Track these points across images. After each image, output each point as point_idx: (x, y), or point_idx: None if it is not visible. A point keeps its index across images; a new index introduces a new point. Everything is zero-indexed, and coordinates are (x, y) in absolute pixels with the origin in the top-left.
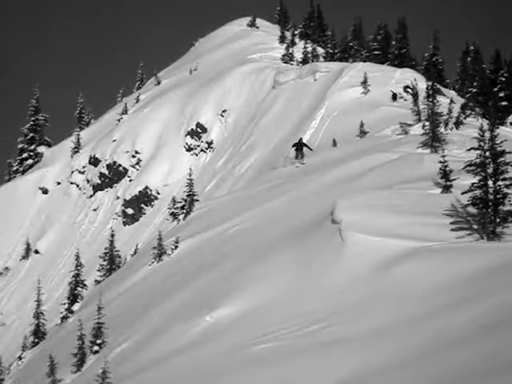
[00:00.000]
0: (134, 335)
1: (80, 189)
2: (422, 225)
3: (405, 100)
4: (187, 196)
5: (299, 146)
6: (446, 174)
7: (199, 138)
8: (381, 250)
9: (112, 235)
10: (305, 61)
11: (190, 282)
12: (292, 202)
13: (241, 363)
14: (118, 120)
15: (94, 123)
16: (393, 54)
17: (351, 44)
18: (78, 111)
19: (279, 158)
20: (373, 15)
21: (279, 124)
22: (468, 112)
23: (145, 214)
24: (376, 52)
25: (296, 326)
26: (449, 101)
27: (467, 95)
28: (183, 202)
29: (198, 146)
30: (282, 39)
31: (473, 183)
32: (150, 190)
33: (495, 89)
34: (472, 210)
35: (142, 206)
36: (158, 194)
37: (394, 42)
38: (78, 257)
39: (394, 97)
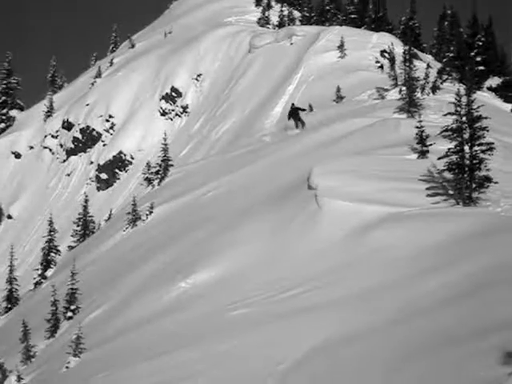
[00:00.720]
0: (108, 301)
1: (53, 153)
2: (398, 190)
3: (381, 66)
4: (162, 161)
5: (294, 112)
6: (422, 139)
7: (174, 102)
8: (357, 215)
9: (86, 200)
10: (281, 24)
11: (165, 247)
12: (268, 167)
13: (215, 329)
14: (92, 84)
15: (67, 87)
16: (370, 17)
17: (328, 7)
18: (50, 74)
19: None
20: None
21: (255, 88)
22: (445, 77)
23: (119, 179)
24: (353, 16)
25: (271, 292)
26: (425, 65)
27: (444, 60)
28: (158, 167)
29: (173, 110)
30: (258, 2)
31: (449, 148)
32: (124, 155)
33: (472, 53)
34: (448, 175)
35: (116, 171)
36: (133, 158)
37: (370, 6)
38: (51, 222)
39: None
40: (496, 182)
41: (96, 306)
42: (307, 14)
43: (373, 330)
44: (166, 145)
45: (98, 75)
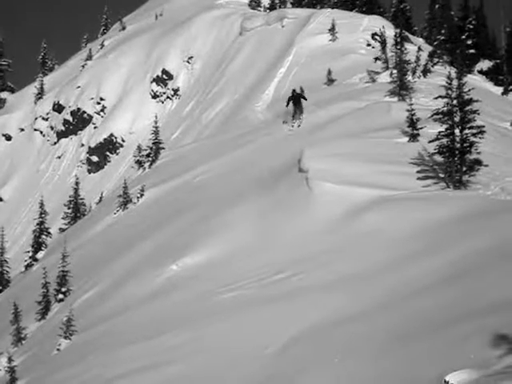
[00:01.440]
0: (99, 284)
1: (44, 136)
2: (389, 173)
3: (373, 48)
4: (153, 144)
5: (296, 99)
6: (413, 122)
7: (165, 84)
8: (347, 198)
9: (77, 183)
10: (272, 7)
11: (156, 230)
12: (259, 150)
13: (205, 312)
14: (83, 66)
15: (58, 69)
16: (361, 0)
17: None
18: (41, 56)
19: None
20: None
21: (246, 71)
22: (436, 60)
23: (110, 161)
24: None
25: (262, 275)
26: (416, 48)
27: (435, 43)
28: (149, 150)
29: (164, 92)
30: None
31: (440, 132)
32: (115, 138)
33: (463, 36)
34: (439, 158)
35: (107, 153)
36: (124, 141)
37: None
38: (42, 204)
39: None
40: (486, 165)
41: (87, 289)
42: None
43: (362, 313)
44: (157, 127)
45: (89, 57)
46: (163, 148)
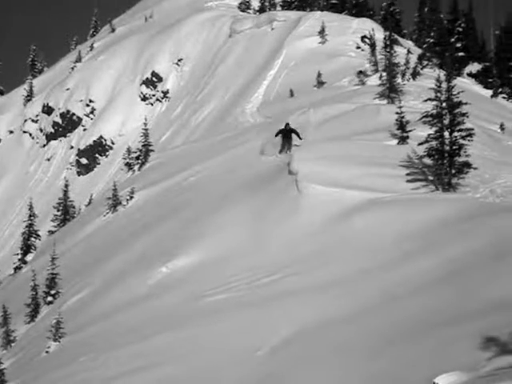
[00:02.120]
0: (88, 286)
1: (33, 138)
2: (378, 176)
3: (362, 50)
4: (142, 146)
5: (286, 133)
6: (402, 125)
7: (155, 87)
8: (337, 201)
9: (66, 185)
10: (262, 9)
11: (146, 232)
12: (249, 152)
13: (195, 314)
14: (72, 68)
15: (47, 71)
16: (350, 3)
17: None
18: (30, 58)
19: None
20: None
21: (236, 73)
22: (425, 63)
23: (99, 164)
24: (334, 1)
25: (252, 276)
26: (406, 51)
27: (424, 45)
28: (138, 152)
29: (154, 95)
30: None
31: (429, 134)
32: (105, 140)
33: (452, 39)
34: (428, 161)
35: (97, 155)
36: (113, 143)
37: None
38: (31, 207)
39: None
40: (475, 168)
41: (76, 291)
42: None
43: (352, 315)
44: (146, 130)
45: (79, 60)
46: (153, 150)
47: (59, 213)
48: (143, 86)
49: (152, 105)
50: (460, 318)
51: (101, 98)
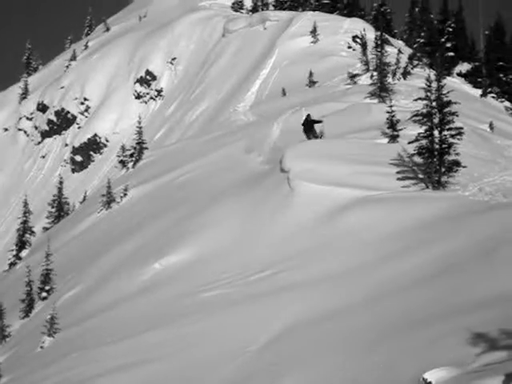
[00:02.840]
0: (82, 282)
1: (28, 135)
2: (369, 174)
3: (353, 50)
4: (136, 144)
5: (308, 124)
6: (392, 123)
7: (148, 85)
8: (329, 198)
9: (60, 182)
10: (254, 9)
11: (139, 229)
12: (242, 150)
13: (188, 310)
14: (67, 66)
15: (42, 69)
16: (342, 3)
17: None
18: (25, 57)
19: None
20: None
21: (229, 72)
22: (415, 62)
23: (93, 161)
24: (325, 1)
25: (244, 273)
26: (397, 51)
27: (415, 45)
28: (132, 150)
29: (148, 93)
30: None
31: (419, 133)
32: (99, 138)
33: (442, 39)
34: (418, 159)
35: (91, 153)
36: (107, 141)
37: None
38: (26, 204)
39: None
40: (465, 167)
41: (70, 287)
42: None
43: (342, 312)
44: (140, 128)
45: (73, 58)
46: (147, 148)
47: (54, 210)
48: (137, 84)
49: (146, 103)
50: (449, 315)
51: (95, 96)
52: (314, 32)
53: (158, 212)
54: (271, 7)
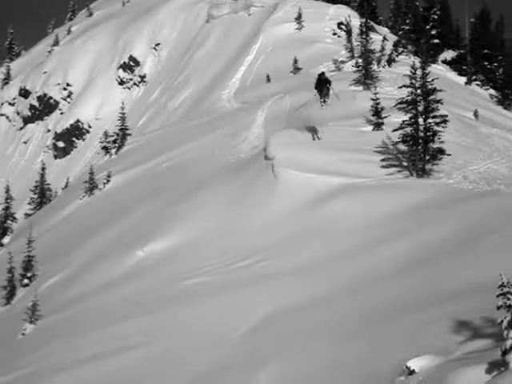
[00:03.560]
0: (64, 269)
1: (10, 121)
2: (353, 161)
3: (338, 37)
4: (119, 130)
5: (322, 83)
6: (377, 111)
7: (132, 71)
8: (313, 186)
9: (43, 168)
10: None
11: (123, 216)
12: (227, 137)
13: (172, 297)
14: (49, 52)
15: (25, 54)
16: None
17: None
18: (7, 42)
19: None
20: None
21: (213, 58)
22: (400, 49)
23: (76, 147)
24: None
25: (228, 260)
26: (382, 38)
27: (400, 32)
28: (115, 136)
29: (131, 79)
30: None
31: (404, 121)
32: (82, 124)
33: (427, 26)
34: (402, 147)
35: (74, 139)
36: (90, 127)
37: None
38: (7, 190)
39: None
40: (449, 154)
41: (53, 274)
42: None
43: (327, 298)
44: (123, 114)
45: (56, 43)
46: (130, 134)
47: (36, 196)
48: (120, 70)
49: (129, 89)
50: (431, 303)
51: (78, 82)
52: (298, 18)
53: (142, 199)
54: None
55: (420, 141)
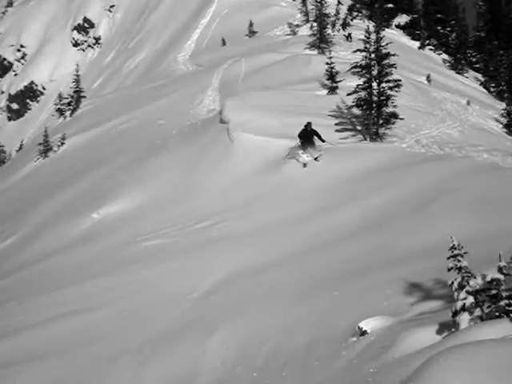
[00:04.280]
0: (19, 231)
1: None
2: None
3: (294, 0)
4: (74, 92)
5: (307, 134)
6: (332, 75)
7: (86, 33)
8: (268, 149)
9: None
10: None
11: (77, 179)
12: (182, 100)
13: (128, 259)
14: (3, 13)
15: None
16: None
17: None
18: None
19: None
20: None
21: (168, 21)
22: (355, 14)
23: (30, 109)
24: None
25: (184, 223)
26: (336, 2)
27: None
28: (70, 99)
29: (85, 41)
30: None
31: (358, 85)
32: (36, 86)
33: None
34: (356, 111)
35: (28, 101)
36: (44, 89)
37: None
38: None
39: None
40: (402, 119)
41: (7, 236)
42: None
43: (281, 261)
44: (78, 76)
45: (10, 4)
46: (84, 97)
47: None
48: (75, 31)
49: (84, 51)
50: (384, 265)
51: (32, 43)
52: None
53: (97, 161)
54: None
55: (374, 105)
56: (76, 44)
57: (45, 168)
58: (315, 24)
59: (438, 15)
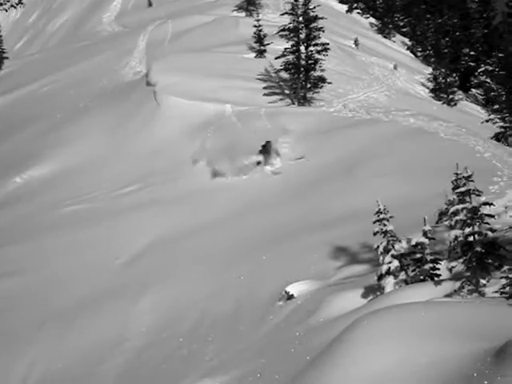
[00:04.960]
0: None
1: None
2: (237, 89)
3: None
4: None
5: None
6: (260, 38)
7: None
8: (195, 113)
9: None
10: None
11: None
12: (107, 62)
13: (50, 225)
14: None
15: None
16: None
17: None
18: None
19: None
20: None
21: None
22: None
23: None
24: None
25: (110, 187)
26: None
27: None
28: None
29: (8, 1)
30: None
31: (286, 48)
32: None
33: None
34: (285, 75)
35: None
36: None
37: None
38: None
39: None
40: (330, 83)
41: None
42: None
43: (208, 227)
44: (0, 36)
45: None
46: (7, 58)
47: None
48: None
49: (6, 11)
50: (314, 229)
51: None
52: None
53: (20, 124)
54: None
55: (302, 69)
56: None
57: None
58: None
59: None
